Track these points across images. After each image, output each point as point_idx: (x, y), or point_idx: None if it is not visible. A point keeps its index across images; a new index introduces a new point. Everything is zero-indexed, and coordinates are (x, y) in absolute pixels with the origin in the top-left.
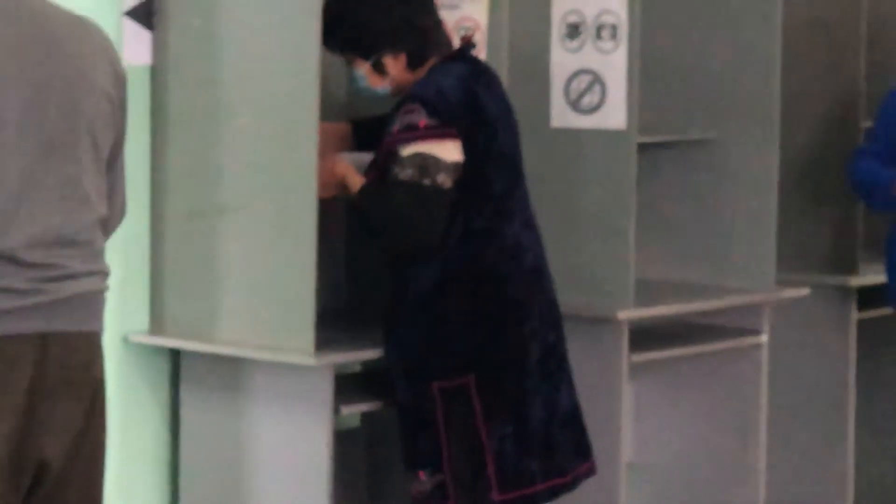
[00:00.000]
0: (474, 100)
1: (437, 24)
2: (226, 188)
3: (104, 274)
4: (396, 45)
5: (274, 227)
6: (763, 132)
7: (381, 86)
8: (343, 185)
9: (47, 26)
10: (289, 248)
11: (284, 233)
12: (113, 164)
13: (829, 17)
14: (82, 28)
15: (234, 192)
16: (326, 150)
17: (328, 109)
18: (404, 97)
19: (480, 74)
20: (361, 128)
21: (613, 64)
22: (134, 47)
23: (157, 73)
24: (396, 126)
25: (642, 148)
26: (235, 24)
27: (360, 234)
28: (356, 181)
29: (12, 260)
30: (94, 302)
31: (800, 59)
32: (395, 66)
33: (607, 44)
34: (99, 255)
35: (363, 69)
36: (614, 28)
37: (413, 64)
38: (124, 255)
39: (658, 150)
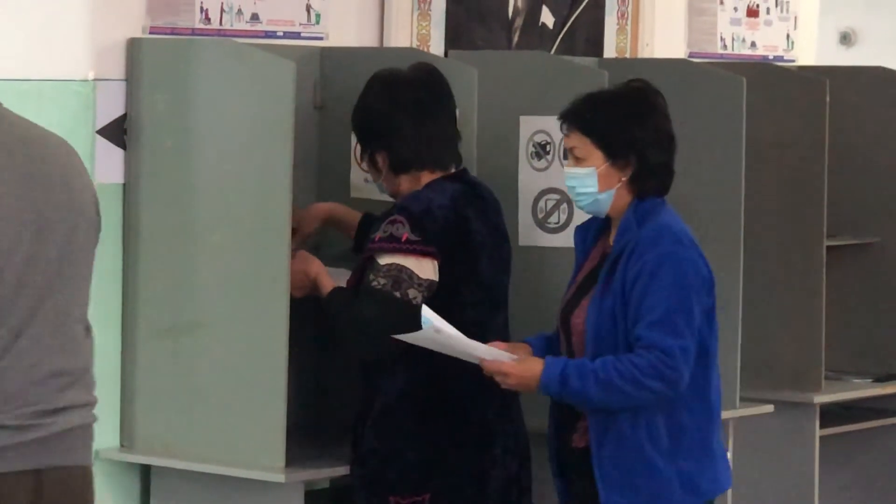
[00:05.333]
0: (462, 223)
1: (439, 137)
2: (197, 305)
3: (94, 405)
4: (383, 146)
5: (244, 344)
6: (727, 250)
7: (376, 179)
8: (315, 286)
9: (43, 156)
10: (259, 365)
11: (255, 349)
12: None
13: (792, 140)
14: (69, 153)
15: (206, 308)
16: (301, 242)
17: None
18: (392, 207)
19: (476, 199)
20: (367, 225)
21: None
22: (106, 165)
23: (128, 191)
24: (379, 234)
25: None
26: (207, 144)
27: (330, 337)
28: (327, 283)
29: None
30: (86, 435)
31: (764, 179)
32: (383, 165)
33: None
34: (93, 385)
35: (365, 157)
36: None
37: (396, 168)
38: (95, 371)
39: None
